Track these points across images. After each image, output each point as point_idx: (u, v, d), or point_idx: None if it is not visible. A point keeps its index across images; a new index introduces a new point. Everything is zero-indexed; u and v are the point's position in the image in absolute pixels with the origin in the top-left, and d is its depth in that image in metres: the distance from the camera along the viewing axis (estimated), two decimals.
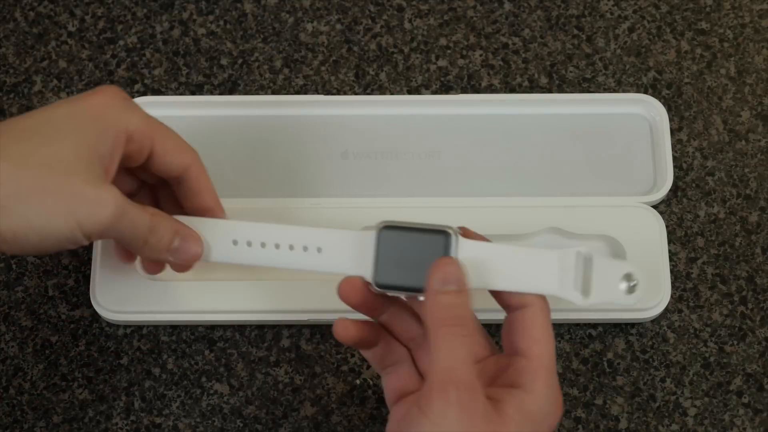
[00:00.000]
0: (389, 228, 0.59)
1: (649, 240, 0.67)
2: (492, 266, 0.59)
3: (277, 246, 0.61)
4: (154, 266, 0.65)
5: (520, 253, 0.59)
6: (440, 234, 0.59)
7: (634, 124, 0.71)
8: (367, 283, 0.58)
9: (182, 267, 0.63)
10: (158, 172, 0.60)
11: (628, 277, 0.59)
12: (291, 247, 0.61)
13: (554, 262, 0.58)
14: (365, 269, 0.59)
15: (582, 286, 0.58)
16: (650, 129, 0.71)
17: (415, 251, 0.59)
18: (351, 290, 0.58)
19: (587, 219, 0.68)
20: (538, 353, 0.55)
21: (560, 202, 0.69)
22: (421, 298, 0.57)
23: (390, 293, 0.59)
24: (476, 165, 0.70)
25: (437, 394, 0.52)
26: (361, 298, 0.58)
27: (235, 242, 0.61)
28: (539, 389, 0.54)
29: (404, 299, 0.60)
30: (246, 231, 0.61)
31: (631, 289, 0.59)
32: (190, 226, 0.61)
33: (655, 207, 0.69)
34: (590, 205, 0.68)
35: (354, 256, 0.60)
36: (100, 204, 0.55)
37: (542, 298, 0.57)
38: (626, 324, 0.67)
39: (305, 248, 0.60)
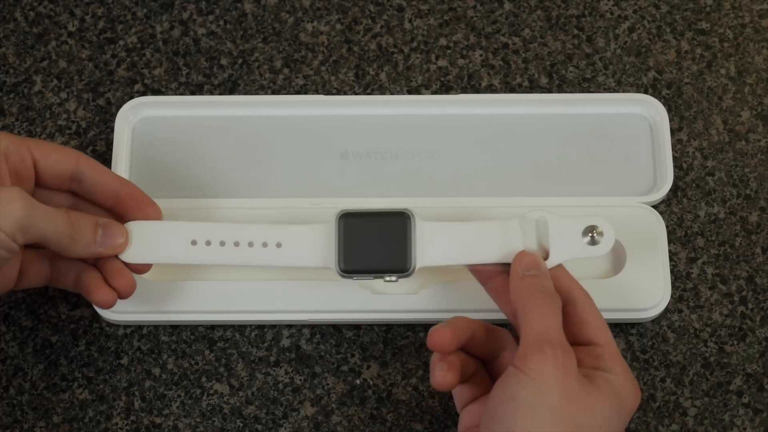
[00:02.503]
0: (348, 216, 0.61)
1: (649, 240, 0.67)
2: (454, 243, 0.61)
3: (236, 244, 0.62)
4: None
5: (480, 227, 0.61)
6: (400, 216, 0.61)
7: (634, 124, 0.71)
8: (455, 333, 0.58)
9: (134, 267, 0.63)
10: (53, 179, 0.62)
11: (589, 230, 0.60)
12: (250, 245, 0.62)
13: (516, 231, 0.60)
14: (328, 259, 0.61)
15: (543, 249, 0.60)
16: (650, 129, 0.71)
17: (377, 235, 0.61)
18: (441, 343, 0.58)
19: None
20: (608, 339, 0.58)
21: (560, 202, 0.69)
22: (388, 278, 0.60)
23: (356, 278, 0.61)
24: (476, 165, 0.70)
25: (533, 353, 0.54)
26: (455, 346, 0.58)
27: (194, 242, 0.62)
28: (621, 371, 0.57)
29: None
30: (204, 231, 0.62)
31: (594, 241, 0.60)
32: (146, 230, 0.62)
33: (655, 207, 0.69)
34: (590, 205, 0.68)
35: (316, 249, 0.62)
36: (7, 201, 0.56)
37: (583, 289, 0.59)
38: (626, 324, 0.67)
39: (264, 244, 0.62)
